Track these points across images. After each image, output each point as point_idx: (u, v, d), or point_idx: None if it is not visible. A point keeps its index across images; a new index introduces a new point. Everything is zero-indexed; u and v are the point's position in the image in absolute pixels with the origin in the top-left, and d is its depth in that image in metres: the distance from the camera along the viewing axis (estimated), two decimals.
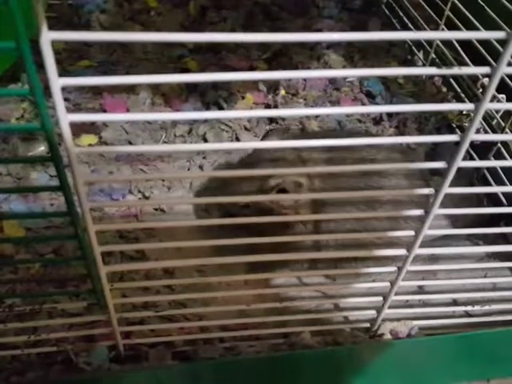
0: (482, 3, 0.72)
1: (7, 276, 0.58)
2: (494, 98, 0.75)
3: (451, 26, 0.81)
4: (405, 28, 1.00)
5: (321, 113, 0.34)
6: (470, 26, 0.73)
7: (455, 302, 0.60)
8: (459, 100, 0.85)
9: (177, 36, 0.28)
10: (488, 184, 0.75)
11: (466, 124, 0.81)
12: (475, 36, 0.33)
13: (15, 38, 0.26)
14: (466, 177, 0.76)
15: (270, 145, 0.36)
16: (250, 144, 0.37)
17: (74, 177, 0.34)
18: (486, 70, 0.32)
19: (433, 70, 0.32)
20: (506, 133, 0.71)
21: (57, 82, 0.29)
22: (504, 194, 0.73)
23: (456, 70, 0.32)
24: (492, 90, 0.33)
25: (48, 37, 0.27)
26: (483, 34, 0.32)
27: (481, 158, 0.75)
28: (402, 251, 0.46)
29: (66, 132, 0.32)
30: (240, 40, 0.29)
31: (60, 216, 0.38)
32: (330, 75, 0.31)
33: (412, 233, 0.44)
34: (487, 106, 0.34)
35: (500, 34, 0.30)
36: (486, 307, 0.58)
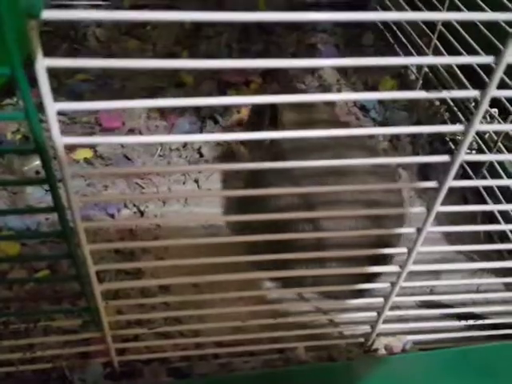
0: (474, 20, 0.73)
1: (1, 293, 0.58)
2: (486, 113, 0.76)
3: (444, 39, 0.82)
4: (397, 41, 1.01)
5: (316, 135, 0.34)
6: (463, 40, 0.74)
7: (449, 316, 0.61)
8: (452, 113, 0.85)
9: (174, 63, 0.29)
10: (481, 197, 0.76)
11: (460, 137, 0.81)
12: (463, 61, 0.34)
13: (9, 64, 0.27)
14: (459, 191, 0.76)
15: (267, 165, 0.37)
16: (248, 165, 0.37)
17: (69, 198, 0.34)
18: (475, 93, 0.33)
19: (423, 94, 0.33)
20: (499, 147, 0.72)
21: (52, 107, 0.30)
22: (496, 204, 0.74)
23: (445, 94, 0.33)
24: (481, 113, 0.33)
25: (43, 64, 0.28)
26: (472, 59, 0.32)
27: (474, 171, 0.76)
28: (395, 268, 0.46)
29: (61, 153, 0.32)
30: (239, 66, 0.29)
31: (54, 235, 0.38)
32: (326, 99, 0.32)
33: (405, 250, 0.45)
34: (477, 127, 0.34)
35: (488, 59, 0.31)
36: (480, 321, 0.58)
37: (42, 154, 0.31)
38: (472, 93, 0.33)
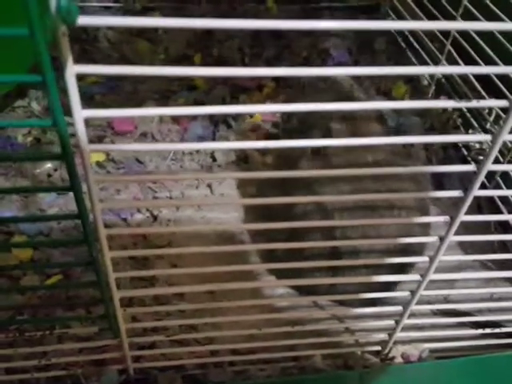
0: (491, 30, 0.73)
1: (14, 298, 0.57)
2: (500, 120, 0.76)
3: (457, 45, 0.82)
4: (409, 46, 1.01)
5: (330, 144, 0.34)
6: (477, 45, 0.73)
7: (466, 325, 0.60)
8: (464, 119, 0.85)
9: (190, 70, 0.28)
10: (495, 203, 0.75)
11: (473, 144, 0.81)
12: (483, 71, 0.33)
13: (41, 71, 0.26)
14: (474, 198, 0.76)
15: (279, 174, 0.36)
16: (261, 174, 0.37)
17: (93, 205, 0.34)
18: (503, 103, 0.32)
19: (451, 103, 0.32)
20: None
21: (80, 114, 0.29)
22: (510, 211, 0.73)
23: (474, 103, 0.32)
24: (510, 123, 0.33)
25: (73, 70, 0.27)
26: (492, 70, 0.32)
27: (487, 178, 0.75)
28: (416, 276, 0.46)
29: (87, 161, 0.32)
30: (256, 74, 0.29)
31: (76, 243, 0.37)
32: (340, 108, 0.31)
33: (426, 259, 0.44)
34: (505, 137, 0.34)
35: (510, 70, 0.31)
36: (497, 330, 0.57)
37: (69, 161, 0.31)
38: (500, 102, 0.33)
